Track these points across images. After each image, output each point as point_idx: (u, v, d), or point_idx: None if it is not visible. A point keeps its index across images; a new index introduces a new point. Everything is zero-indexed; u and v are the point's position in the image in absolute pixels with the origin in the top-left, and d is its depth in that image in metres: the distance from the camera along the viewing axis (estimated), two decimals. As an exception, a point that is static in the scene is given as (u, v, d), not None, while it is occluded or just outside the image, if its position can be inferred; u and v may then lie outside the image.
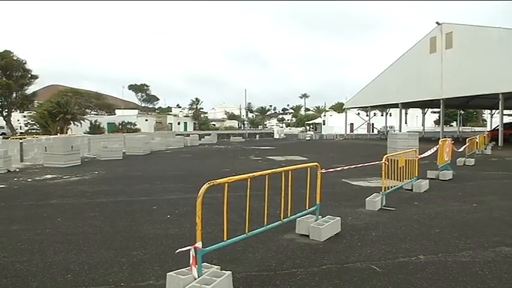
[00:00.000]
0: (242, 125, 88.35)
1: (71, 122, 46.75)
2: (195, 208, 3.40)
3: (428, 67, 29.89)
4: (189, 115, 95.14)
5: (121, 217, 6.61)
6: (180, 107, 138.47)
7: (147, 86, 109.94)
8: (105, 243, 5.11)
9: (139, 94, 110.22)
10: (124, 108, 79.55)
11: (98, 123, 53.98)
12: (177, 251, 3.65)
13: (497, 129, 26.72)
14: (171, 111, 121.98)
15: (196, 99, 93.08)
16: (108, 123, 61.52)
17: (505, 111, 32.67)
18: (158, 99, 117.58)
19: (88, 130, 48.71)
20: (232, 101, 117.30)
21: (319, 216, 5.43)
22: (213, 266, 3.65)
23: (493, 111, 44.88)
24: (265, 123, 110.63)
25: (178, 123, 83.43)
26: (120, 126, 58.32)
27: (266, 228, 4.47)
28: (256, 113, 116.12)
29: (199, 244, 3.40)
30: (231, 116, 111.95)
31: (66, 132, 43.79)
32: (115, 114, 72.11)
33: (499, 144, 24.12)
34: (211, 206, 6.59)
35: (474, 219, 6.44)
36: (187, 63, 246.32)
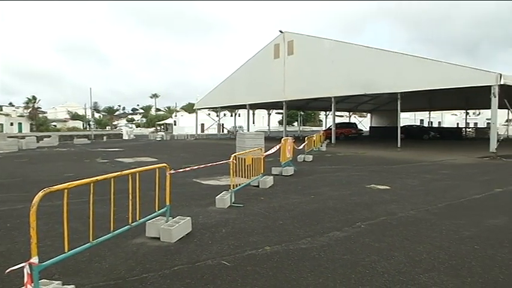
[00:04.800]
0: (88, 126, 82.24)
1: None
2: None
3: (273, 71, 32.10)
4: (25, 115, 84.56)
5: None
6: (13, 106, 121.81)
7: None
8: None
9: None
10: None
11: None
12: (7, 271, 3.23)
13: (331, 129, 30.25)
14: (1, 110, 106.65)
15: (33, 97, 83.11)
16: None
17: (337, 113, 37.04)
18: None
19: None
20: (76, 100, 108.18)
21: (170, 218, 5.40)
22: (53, 281, 3.35)
23: (328, 112, 50.41)
24: (113, 123, 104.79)
25: (12, 124, 73.97)
26: None
27: (113, 234, 4.26)
28: (104, 113, 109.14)
29: (34, 259, 3.05)
30: (75, 116, 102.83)
31: None
32: None
33: (332, 142, 27.32)
34: (51, 215, 6.03)
35: (312, 209, 7.17)
36: (16, 57, 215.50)
